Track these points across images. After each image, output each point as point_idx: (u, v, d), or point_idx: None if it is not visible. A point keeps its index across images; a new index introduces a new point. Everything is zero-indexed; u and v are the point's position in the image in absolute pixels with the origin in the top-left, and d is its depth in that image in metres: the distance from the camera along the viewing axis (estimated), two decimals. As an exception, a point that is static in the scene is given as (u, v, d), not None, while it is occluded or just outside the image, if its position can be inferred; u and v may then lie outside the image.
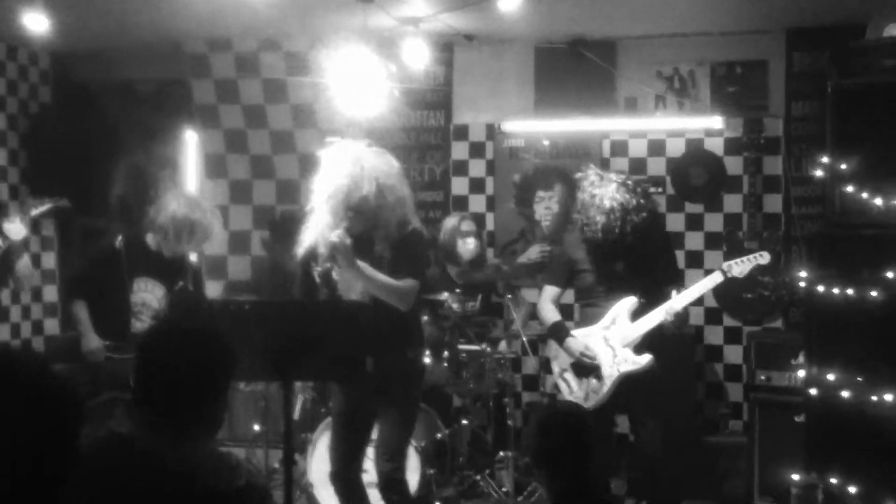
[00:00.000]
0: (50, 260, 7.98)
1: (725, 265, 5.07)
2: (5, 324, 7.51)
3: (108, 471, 2.17)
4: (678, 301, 4.95)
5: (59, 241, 7.94)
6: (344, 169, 4.33)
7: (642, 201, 5.00)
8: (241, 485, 2.29)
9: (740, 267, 5.04)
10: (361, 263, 4.26)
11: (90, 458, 2.13)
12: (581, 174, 5.20)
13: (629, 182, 5.07)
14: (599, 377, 5.09)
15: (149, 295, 5.40)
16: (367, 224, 4.36)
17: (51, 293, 7.93)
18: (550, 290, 5.31)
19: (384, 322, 4.28)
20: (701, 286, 5.03)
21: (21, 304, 7.67)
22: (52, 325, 7.92)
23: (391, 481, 4.45)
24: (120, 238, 5.48)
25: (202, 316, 4.85)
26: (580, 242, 5.16)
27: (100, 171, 7.36)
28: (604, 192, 4.98)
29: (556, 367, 5.30)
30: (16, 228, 5.08)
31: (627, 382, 5.07)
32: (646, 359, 5.01)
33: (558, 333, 5.21)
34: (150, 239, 5.47)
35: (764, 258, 5.06)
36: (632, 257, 5.04)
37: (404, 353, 4.49)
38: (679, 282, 5.23)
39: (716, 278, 5.03)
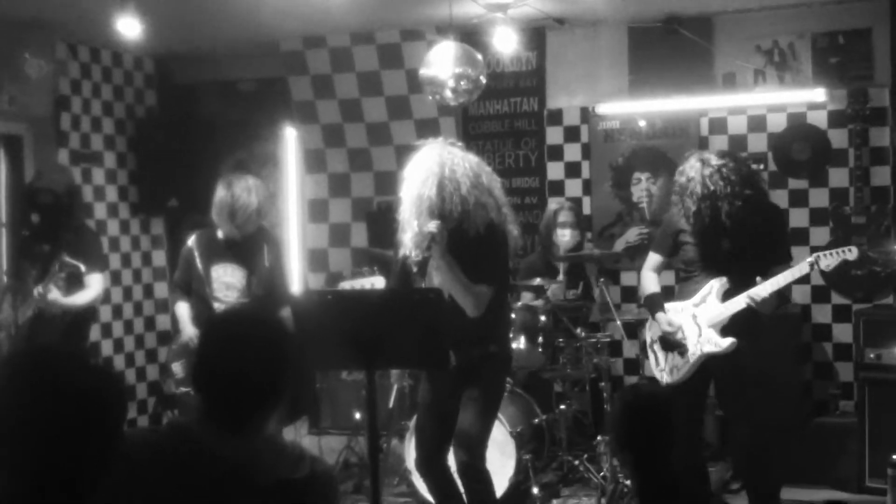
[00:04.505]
0: (160, 258, 8.27)
1: (813, 257, 4.89)
2: (119, 320, 7.81)
3: (164, 460, 2.18)
4: (762, 288, 4.83)
5: (168, 239, 8.23)
6: (428, 173, 4.33)
7: (737, 189, 4.85)
8: (304, 475, 2.29)
9: (827, 260, 4.86)
10: (449, 258, 4.30)
11: (147, 448, 2.18)
12: (685, 158, 5.11)
13: (729, 165, 4.89)
14: (683, 354, 5.04)
15: (229, 278, 5.54)
16: (450, 224, 4.35)
17: (161, 290, 8.19)
18: (653, 258, 5.26)
19: (466, 316, 4.32)
20: (788, 275, 4.86)
21: (133, 300, 7.96)
22: (163, 321, 8.19)
23: (469, 468, 4.45)
24: (193, 237, 5.66)
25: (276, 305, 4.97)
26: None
27: (204, 169, 7.56)
28: (699, 177, 4.88)
29: (648, 337, 5.29)
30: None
31: (715, 367, 4.98)
32: (727, 342, 4.89)
33: (651, 306, 5.20)
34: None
35: (852, 253, 4.86)
36: (736, 237, 4.93)
37: (486, 347, 4.47)
38: (786, 262, 5.05)
39: (803, 269, 4.87)
